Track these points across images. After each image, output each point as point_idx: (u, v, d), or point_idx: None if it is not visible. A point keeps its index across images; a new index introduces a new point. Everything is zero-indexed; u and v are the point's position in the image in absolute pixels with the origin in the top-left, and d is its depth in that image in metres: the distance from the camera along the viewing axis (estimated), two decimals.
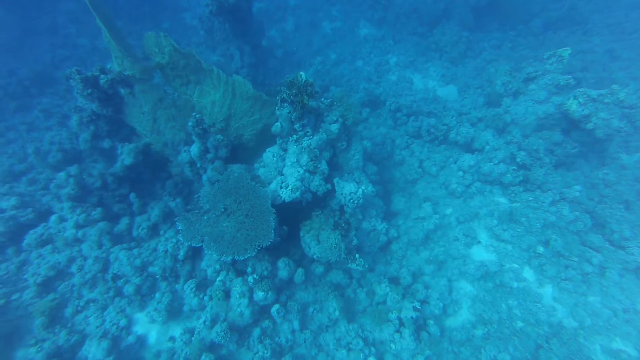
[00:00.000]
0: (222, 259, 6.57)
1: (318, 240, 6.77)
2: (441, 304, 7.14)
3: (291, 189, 6.79)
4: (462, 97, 11.92)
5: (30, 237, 7.47)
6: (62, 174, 8.36)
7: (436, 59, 14.43)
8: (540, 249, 7.70)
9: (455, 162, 9.23)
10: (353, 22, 17.84)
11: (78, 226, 7.59)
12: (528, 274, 7.65)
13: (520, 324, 7.00)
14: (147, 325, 6.88)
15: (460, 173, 8.88)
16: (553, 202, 8.34)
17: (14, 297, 6.69)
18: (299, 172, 7.03)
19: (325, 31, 17.99)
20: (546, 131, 9.23)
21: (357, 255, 6.75)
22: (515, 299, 7.25)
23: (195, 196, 9.00)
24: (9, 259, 7.33)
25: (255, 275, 6.70)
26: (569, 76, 8.93)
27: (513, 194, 8.69)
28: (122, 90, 8.38)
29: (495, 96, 10.34)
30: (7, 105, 12.99)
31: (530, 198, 8.51)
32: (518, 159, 8.84)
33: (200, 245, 6.59)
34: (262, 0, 19.97)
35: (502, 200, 8.72)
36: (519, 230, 8.22)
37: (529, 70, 9.36)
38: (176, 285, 7.31)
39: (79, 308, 6.76)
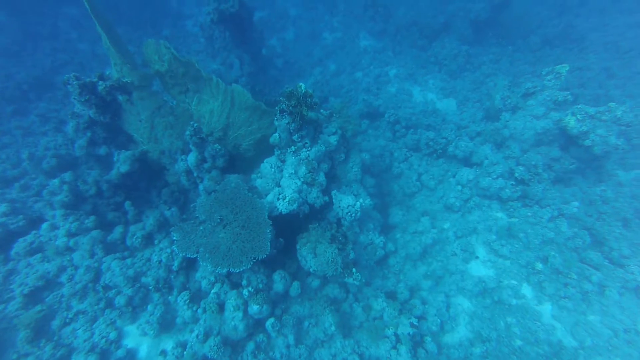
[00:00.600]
0: (217, 271, 6.43)
1: (315, 253, 6.67)
2: (439, 320, 7.02)
3: (288, 201, 6.71)
4: (461, 110, 11.96)
5: (20, 245, 7.30)
6: (55, 181, 8.25)
7: (435, 71, 14.53)
8: (539, 266, 7.62)
9: (453, 176, 9.20)
10: (353, 33, 18.00)
11: (70, 234, 7.44)
12: (527, 290, 7.55)
13: (519, 342, 6.87)
14: (138, 339, 6.69)
15: (459, 187, 8.84)
16: (552, 218, 8.29)
17: None
18: (296, 183, 6.95)
19: (326, 42, 18.13)
20: (544, 147, 9.24)
21: (353, 270, 6.64)
22: (513, 316, 7.14)
23: (192, 205, 8.90)
24: None
25: (250, 288, 6.56)
26: (567, 92, 8.97)
27: (511, 209, 8.64)
28: (120, 97, 8.32)
29: (494, 110, 10.38)
30: (4, 109, 12.87)
31: (529, 213, 8.46)
32: (516, 174, 8.81)
33: (195, 256, 6.46)
34: (263, 9, 20.15)
35: (501, 215, 8.66)
36: (517, 245, 8.15)
37: (528, 85, 9.40)
38: (169, 297, 7.15)
39: (67, 320, 6.57)
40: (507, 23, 16.09)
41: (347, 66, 15.52)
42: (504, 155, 9.32)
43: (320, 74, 15.30)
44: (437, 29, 16.05)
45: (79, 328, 6.54)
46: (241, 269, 6.18)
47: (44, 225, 7.64)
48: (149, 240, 7.84)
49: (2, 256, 7.27)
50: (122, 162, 8.32)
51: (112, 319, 6.68)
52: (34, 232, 7.64)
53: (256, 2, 18.66)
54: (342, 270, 6.46)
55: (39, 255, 7.27)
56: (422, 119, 11.23)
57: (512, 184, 8.77)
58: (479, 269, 8.00)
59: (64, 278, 7.07)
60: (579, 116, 8.27)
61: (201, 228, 6.78)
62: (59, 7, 20.11)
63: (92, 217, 7.69)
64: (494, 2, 15.22)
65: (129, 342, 6.64)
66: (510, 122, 9.63)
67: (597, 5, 18.48)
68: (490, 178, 8.77)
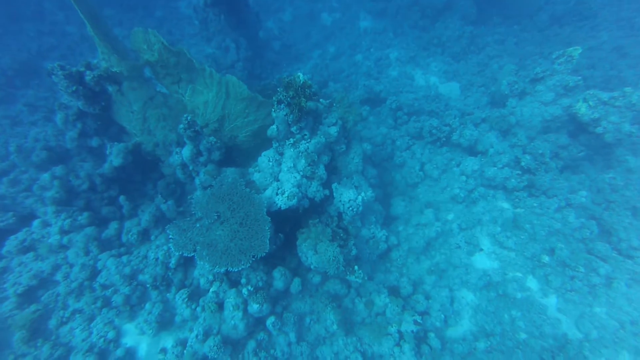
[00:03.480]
0: (215, 270, 6.23)
1: (315, 250, 6.46)
2: (442, 316, 6.91)
3: (287, 196, 6.45)
4: (464, 95, 11.54)
5: (11, 243, 7.09)
6: (46, 175, 7.93)
7: (438, 54, 13.98)
8: (545, 258, 7.45)
9: (457, 166, 8.90)
10: (353, 14, 17.27)
11: (63, 232, 7.21)
12: (532, 283, 7.42)
13: (523, 336, 6.79)
14: (137, 337, 6.58)
15: (463, 178, 8.57)
16: (559, 209, 8.07)
17: None
18: (295, 177, 6.67)
19: (324, 23, 17.41)
20: (552, 134, 8.92)
21: (356, 267, 6.46)
22: (518, 309, 7.03)
23: (189, 197, 8.65)
24: None
25: (249, 287, 6.40)
26: (579, 77, 8.56)
27: (517, 200, 8.40)
28: (109, 88, 7.91)
29: (499, 96, 9.98)
30: None
31: (535, 204, 8.23)
32: (523, 163, 8.53)
33: (192, 255, 6.26)
34: None
35: (506, 205, 8.44)
36: (522, 237, 7.96)
37: (537, 70, 8.97)
38: (167, 294, 7.00)
39: (64, 319, 6.43)
40: (513, 0, 15.37)
41: (347, 49, 14.93)
42: (510, 143, 9.00)
43: (319, 57, 14.74)
44: (440, 8, 15.33)
45: (77, 327, 6.41)
46: (240, 268, 5.98)
47: (36, 222, 7.41)
48: (145, 236, 7.64)
49: None
50: (115, 156, 8.01)
51: (110, 317, 6.55)
52: (25, 229, 7.41)
53: None
54: (344, 269, 6.27)
55: (32, 253, 7.07)
56: (424, 104, 10.83)
57: (518, 174, 8.51)
58: (484, 261, 7.84)
59: (59, 276, 6.90)
60: (590, 102, 7.91)
61: (198, 225, 6.54)
62: None
63: (86, 214, 7.44)
64: None
65: (128, 341, 6.53)
66: (517, 108, 9.26)
67: None
68: (495, 168, 8.49)
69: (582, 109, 8.02)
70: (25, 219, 7.66)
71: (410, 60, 13.84)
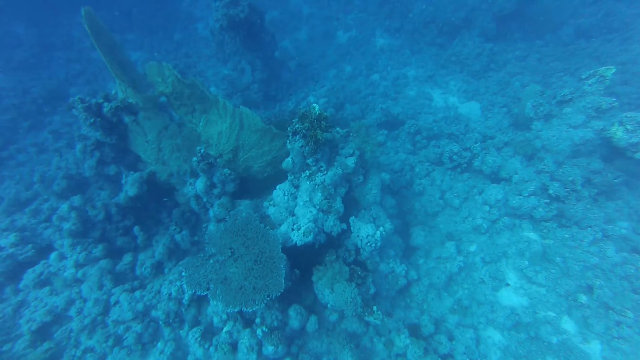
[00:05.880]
0: (228, 310, 6.02)
1: (332, 289, 6.17)
2: None
3: (304, 232, 6.22)
4: (485, 116, 11.10)
5: (29, 277, 7.12)
6: (64, 206, 8.01)
7: (457, 72, 13.62)
8: (583, 298, 6.87)
9: (480, 194, 8.46)
10: (369, 32, 17.19)
11: (78, 265, 7.21)
12: (568, 325, 6.83)
13: None
14: None
15: (486, 207, 8.12)
16: (594, 241, 7.49)
17: (5, 347, 6.29)
18: (312, 212, 6.44)
19: (340, 41, 17.39)
20: (583, 158, 8.37)
21: (374, 308, 6.11)
22: (555, 355, 6.46)
23: (203, 225, 8.56)
24: (6, 298, 6.99)
25: (264, 328, 6.14)
26: (613, 99, 8.03)
27: (546, 231, 7.87)
28: (126, 118, 7.98)
29: (523, 119, 9.51)
30: (20, 125, 12.89)
31: (567, 235, 7.68)
32: (551, 191, 8.02)
33: (205, 293, 6.08)
34: (274, 9, 19.52)
35: (534, 237, 7.91)
36: (554, 272, 7.41)
37: (565, 92, 8.50)
38: (180, 332, 6.82)
39: (75, 359, 6.33)
40: (534, 15, 14.85)
41: (363, 68, 14.77)
42: (536, 170, 8.49)
43: (335, 77, 14.64)
44: (458, 24, 15.04)
45: None
46: (254, 309, 5.75)
47: (53, 255, 7.45)
48: (158, 269, 7.54)
49: (10, 287, 7.10)
50: (129, 185, 8.03)
51: (121, 357, 6.40)
52: (43, 261, 7.45)
53: (267, 1, 18.12)
54: (362, 310, 5.94)
55: (48, 288, 7.07)
56: (444, 127, 10.47)
57: (546, 202, 7.99)
58: (511, 297, 7.32)
59: (72, 311, 6.85)
60: (628, 126, 7.37)
61: (211, 262, 6.37)
62: (73, 16, 20.11)
63: (101, 246, 7.42)
64: None
65: None
66: (542, 132, 8.78)
67: None
68: (521, 196, 8.01)
69: (619, 133, 7.49)
70: (44, 250, 7.72)
71: (429, 79, 13.54)
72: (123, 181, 8.19)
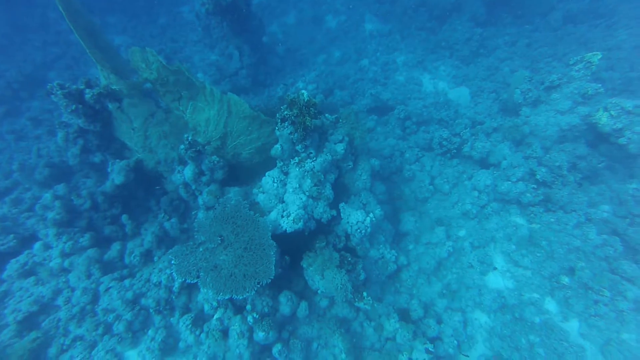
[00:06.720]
0: (219, 298, 6.01)
1: (322, 275, 6.21)
2: (455, 342, 6.60)
3: (293, 219, 6.20)
4: (475, 102, 11.13)
5: (12, 267, 6.96)
6: (48, 195, 7.81)
7: (446, 57, 13.54)
8: (565, 279, 7.09)
9: (469, 179, 8.56)
10: (358, 16, 16.88)
11: (64, 255, 7.07)
12: (551, 305, 7.06)
13: None
14: None
15: (475, 193, 8.23)
16: (578, 224, 7.69)
17: None
18: (301, 199, 6.42)
19: (329, 26, 17.06)
20: (569, 143, 8.50)
21: (364, 294, 6.20)
22: (537, 334, 6.68)
23: (192, 213, 8.47)
24: None
25: (255, 314, 6.17)
26: (599, 85, 8.11)
27: (533, 215, 8.03)
28: (109, 105, 7.73)
29: (512, 104, 9.57)
30: None
31: (552, 219, 7.86)
32: (538, 176, 8.15)
33: (195, 281, 6.05)
34: None
35: (521, 221, 8.07)
36: (539, 255, 7.60)
37: (552, 78, 8.55)
38: (171, 319, 6.80)
39: (64, 347, 6.27)
40: None
41: (353, 53, 14.55)
42: (524, 155, 8.60)
43: (324, 62, 14.42)
44: (448, 8, 14.86)
45: (77, 356, 6.25)
46: (244, 296, 5.75)
47: (37, 245, 7.28)
48: (147, 257, 7.46)
49: None
50: (116, 173, 7.85)
51: (111, 345, 6.37)
52: (26, 251, 7.28)
53: None
54: (352, 296, 6.00)
55: (33, 278, 6.94)
56: (433, 112, 10.46)
57: (533, 187, 8.13)
58: (498, 281, 7.50)
59: (60, 301, 6.75)
60: (612, 112, 7.49)
61: (201, 249, 6.32)
62: None
63: (87, 235, 7.29)
64: None
65: None
66: (531, 117, 8.86)
67: None
68: (509, 182, 8.13)
69: (603, 119, 7.61)
70: (27, 240, 7.54)
71: (418, 64, 13.45)
72: (109, 169, 7.99)
